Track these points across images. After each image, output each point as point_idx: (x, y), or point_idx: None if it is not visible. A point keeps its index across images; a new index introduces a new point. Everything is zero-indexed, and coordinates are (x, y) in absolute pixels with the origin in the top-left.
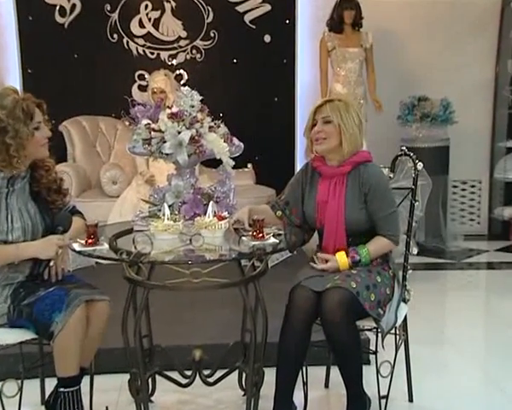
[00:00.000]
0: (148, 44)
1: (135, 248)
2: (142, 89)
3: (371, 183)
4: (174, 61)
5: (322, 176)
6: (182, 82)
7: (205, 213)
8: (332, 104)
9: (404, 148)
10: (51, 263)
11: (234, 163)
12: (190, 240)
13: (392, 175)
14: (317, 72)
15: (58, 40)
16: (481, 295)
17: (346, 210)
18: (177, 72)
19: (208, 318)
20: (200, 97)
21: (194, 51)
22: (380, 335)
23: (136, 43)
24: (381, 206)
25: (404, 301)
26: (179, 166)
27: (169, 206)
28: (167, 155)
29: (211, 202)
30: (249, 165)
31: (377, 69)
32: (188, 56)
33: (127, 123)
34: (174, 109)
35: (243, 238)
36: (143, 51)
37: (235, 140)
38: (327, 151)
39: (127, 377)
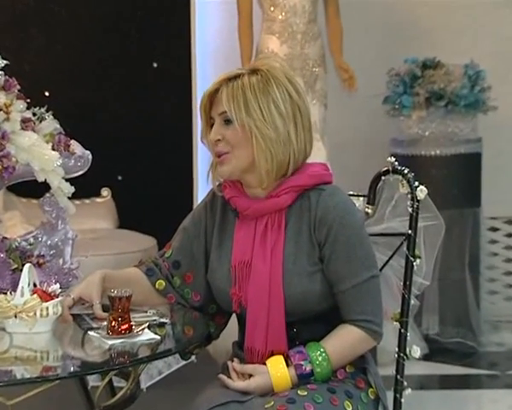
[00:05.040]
0: None
1: None
2: None
3: (330, 224)
4: None
5: (240, 215)
6: None
7: (15, 288)
8: (232, 86)
9: (392, 159)
10: None
11: (74, 190)
12: None
13: (370, 210)
14: (232, 15)
15: None
16: None
17: (285, 277)
18: None
19: None
20: (4, 61)
21: None
22: None
23: None
24: (349, 268)
25: None
26: None
27: None
28: None
29: (27, 266)
30: (105, 192)
31: (346, 11)
32: None
33: None
34: None
35: (91, 333)
36: None
37: (77, 146)
38: (237, 174)
39: None
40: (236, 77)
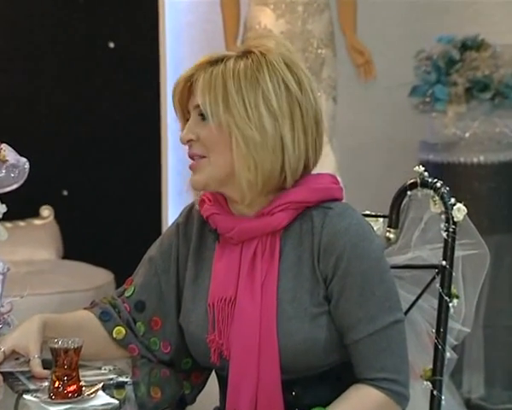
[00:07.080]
0: None
1: None
2: None
3: (339, 253)
4: None
5: (222, 239)
6: None
7: None
8: (211, 72)
9: (421, 168)
10: None
11: (5, 209)
12: None
13: (392, 235)
14: None
15: None
16: None
17: (280, 322)
18: None
19: None
20: None
21: None
22: None
23: None
24: (364, 311)
25: None
26: None
27: None
28: None
29: None
30: (46, 211)
31: None
32: None
33: None
34: None
35: (27, 398)
36: None
37: (9, 151)
38: (213, 185)
39: None
40: (219, 60)
